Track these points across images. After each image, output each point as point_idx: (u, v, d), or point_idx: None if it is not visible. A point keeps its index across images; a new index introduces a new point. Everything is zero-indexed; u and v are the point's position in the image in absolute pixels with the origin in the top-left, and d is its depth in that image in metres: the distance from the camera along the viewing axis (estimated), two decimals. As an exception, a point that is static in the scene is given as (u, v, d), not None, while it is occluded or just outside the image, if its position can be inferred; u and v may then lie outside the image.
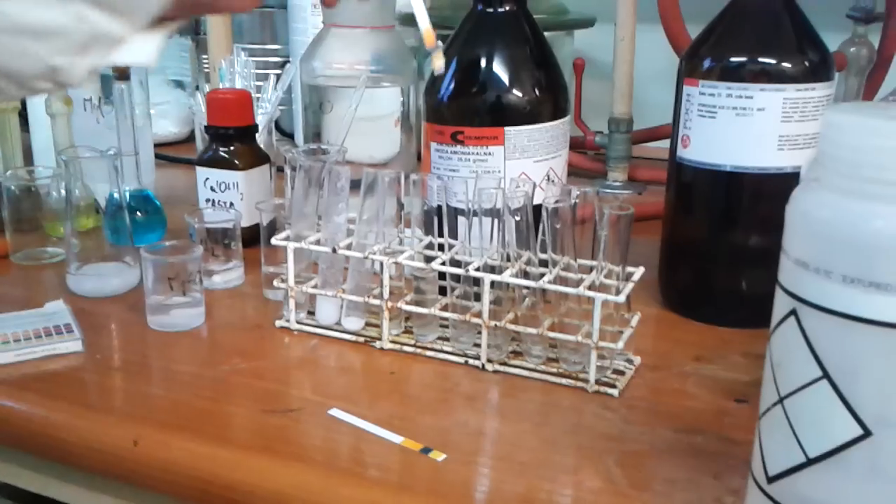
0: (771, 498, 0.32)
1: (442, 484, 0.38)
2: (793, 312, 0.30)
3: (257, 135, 0.68)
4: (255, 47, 1.02)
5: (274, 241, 0.53)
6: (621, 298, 0.44)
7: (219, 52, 0.87)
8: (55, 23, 0.37)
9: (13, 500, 0.54)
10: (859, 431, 0.29)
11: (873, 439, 0.29)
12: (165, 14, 0.41)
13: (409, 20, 0.89)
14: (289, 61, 1.00)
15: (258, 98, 0.76)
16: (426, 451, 0.40)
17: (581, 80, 0.92)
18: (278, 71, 0.99)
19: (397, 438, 0.41)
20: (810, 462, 0.30)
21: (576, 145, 0.94)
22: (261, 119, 0.71)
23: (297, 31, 0.95)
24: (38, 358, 0.49)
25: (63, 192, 0.64)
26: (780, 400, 0.31)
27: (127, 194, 0.63)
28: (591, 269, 0.47)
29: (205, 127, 0.66)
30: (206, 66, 1.03)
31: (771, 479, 0.32)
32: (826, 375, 0.29)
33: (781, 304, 0.31)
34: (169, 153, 0.96)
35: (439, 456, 0.40)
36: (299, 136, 0.95)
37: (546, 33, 0.88)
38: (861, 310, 0.28)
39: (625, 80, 0.86)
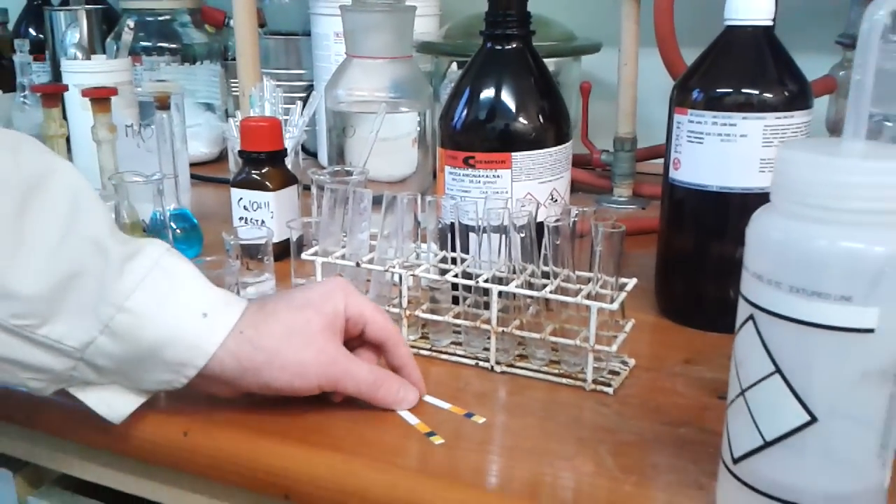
0: (736, 477, 0.37)
1: (460, 468, 0.44)
2: (751, 317, 0.35)
3: (286, 158, 0.74)
4: (281, 72, 1.09)
5: (304, 256, 0.59)
6: (614, 306, 0.50)
7: (247, 78, 0.93)
8: (47, 364, 0.43)
9: (73, 490, 0.60)
10: (807, 418, 0.34)
11: (819, 425, 0.34)
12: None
13: (425, 48, 0.96)
14: (312, 85, 1.07)
15: (286, 121, 0.83)
16: (431, 434, 0.46)
17: (588, 102, 0.97)
18: (303, 94, 1.06)
19: (413, 420, 0.47)
20: (767, 445, 0.35)
21: (583, 163, 0.99)
22: (288, 143, 0.77)
23: (320, 58, 1.02)
24: (95, 361, 0.55)
25: (112, 212, 0.70)
26: (742, 392, 0.36)
27: (168, 213, 0.69)
28: (588, 280, 0.52)
29: (238, 151, 0.72)
30: (234, 90, 1.10)
31: (736, 461, 0.37)
32: (778, 370, 0.34)
33: (742, 310, 0.36)
34: (202, 173, 1.02)
35: (438, 440, 0.46)
36: (323, 157, 1.01)
37: (555, 59, 0.94)
38: (806, 315, 0.33)
39: (628, 101, 0.92)
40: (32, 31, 1.31)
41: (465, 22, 0.95)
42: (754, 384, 0.35)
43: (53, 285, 0.42)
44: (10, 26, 1.34)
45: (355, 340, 0.50)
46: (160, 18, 1.11)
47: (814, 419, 0.34)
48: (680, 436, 0.46)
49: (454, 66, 0.96)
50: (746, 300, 0.36)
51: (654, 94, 0.99)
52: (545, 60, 0.94)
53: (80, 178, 0.45)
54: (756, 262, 0.35)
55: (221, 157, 1.13)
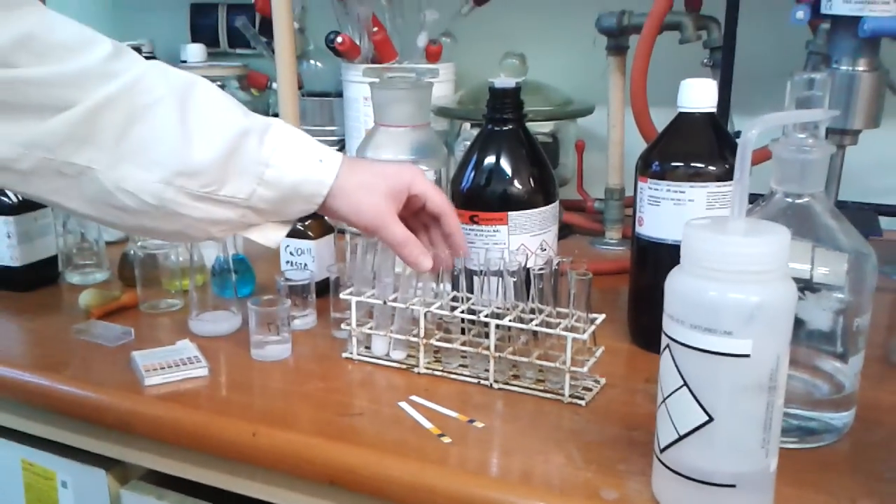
0: (663, 463, 0.51)
1: (464, 460, 0.57)
2: (668, 346, 0.49)
3: (324, 211, 0.88)
4: (316, 128, 1.24)
5: (341, 295, 0.73)
6: (585, 337, 0.64)
7: (289, 137, 1.08)
8: (226, 217, 0.63)
9: (157, 484, 0.74)
10: (706, 418, 0.48)
11: (715, 423, 0.48)
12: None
13: (442, 112, 1.10)
14: (343, 140, 1.22)
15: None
16: (441, 435, 0.60)
17: (582, 158, 1.11)
18: (335, 148, 1.21)
19: (428, 424, 0.61)
20: (681, 438, 0.49)
21: (579, 209, 1.13)
22: (326, 197, 0.91)
23: (350, 118, 1.17)
24: (178, 380, 0.70)
25: (179, 257, 0.86)
26: (664, 399, 0.50)
27: (231, 258, 0.83)
28: (566, 315, 0.66)
29: (286, 206, 0.87)
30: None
31: (662, 451, 0.51)
32: (685, 384, 0.48)
33: (663, 340, 0.50)
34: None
35: (447, 439, 0.59)
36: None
37: (554, 121, 1.09)
38: (702, 344, 0.47)
39: (616, 157, 1.06)
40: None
41: (475, 89, 1.10)
42: (670, 394, 0.49)
43: (221, 159, 0.61)
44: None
45: (418, 217, 0.71)
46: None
47: (711, 419, 0.48)
48: (632, 437, 0.60)
49: (467, 125, 1.11)
50: (665, 333, 0.49)
51: (641, 147, 1.12)
52: (545, 122, 1.09)
53: (210, 83, 0.64)
54: (670, 307, 0.49)
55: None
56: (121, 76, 0.59)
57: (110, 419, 0.69)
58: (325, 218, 0.88)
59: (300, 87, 1.26)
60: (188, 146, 0.60)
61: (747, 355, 0.46)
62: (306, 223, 0.86)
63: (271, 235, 0.67)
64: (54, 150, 0.58)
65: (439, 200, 0.69)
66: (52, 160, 0.58)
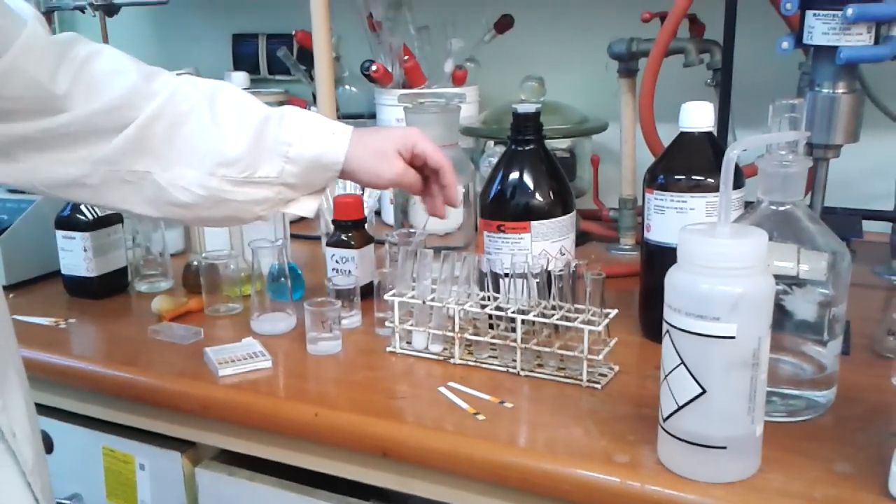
0: (665, 430, 0.60)
1: (497, 434, 0.67)
2: (668, 331, 0.59)
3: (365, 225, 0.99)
4: (351, 148, 1.35)
5: (386, 297, 0.83)
6: (599, 329, 0.73)
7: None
8: (265, 196, 0.74)
9: (227, 462, 0.84)
10: (700, 391, 0.57)
11: (708, 395, 0.57)
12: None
13: (468, 132, 1.21)
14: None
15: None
16: (476, 414, 0.70)
17: (597, 171, 1.21)
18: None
19: (464, 405, 0.71)
20: (680, 408, 0.59)
21: (595, 217, 1.23)
22: (367, 211, 1.02)
23: (384, 138, 1.27)
24: (246, 371, 0.80)
25: (238, 266, 0.96)
26: (665, 376, 0.60)
27: (287, 266, 0.94)
28: (583, 310, 0.76)
29: (332, 220, 0.97)
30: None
31: (664, 420, 0.60)
32: (682, 362, 0.58)
33: (664, 327, 0.60)
34: (297, 232, 1.27)
35: (481, 417, 0.69)
36: (388, 216, 1.27)
37: (571, 138, 1.19)
38: (695, 328, 0.56)
39: (629, 170, 1.15)
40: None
41: (498, 110, 1.21)
42: (670, 371, 0.59)
43: (250, 145, 0.73)
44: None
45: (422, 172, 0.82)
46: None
47: (704, 391, 0.57)
48: (642, 414, 0.69)
49: (491, 143, 1.21)
50: (665, 320, 0.59)
51: (651, 161, 1.22)
52: (563, 139, 1.19)
53: (232, 86, 0.76)
54: (669, 298, 0.59)
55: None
56: (161, 92, 0.71)
57: (191, 405, 0.79)
58: (366, 229, 0.99)
59: (336, 111, 1.37)
60: (222, 140, 0.72)
61: (733, 337, 0.56)
62: (349, 235, 0.96)
63: (307, 205, 0.79)
64: (117, 162, 0.70)
65: (438, 157, 0.80)
66: (117, 171, 0.71)
